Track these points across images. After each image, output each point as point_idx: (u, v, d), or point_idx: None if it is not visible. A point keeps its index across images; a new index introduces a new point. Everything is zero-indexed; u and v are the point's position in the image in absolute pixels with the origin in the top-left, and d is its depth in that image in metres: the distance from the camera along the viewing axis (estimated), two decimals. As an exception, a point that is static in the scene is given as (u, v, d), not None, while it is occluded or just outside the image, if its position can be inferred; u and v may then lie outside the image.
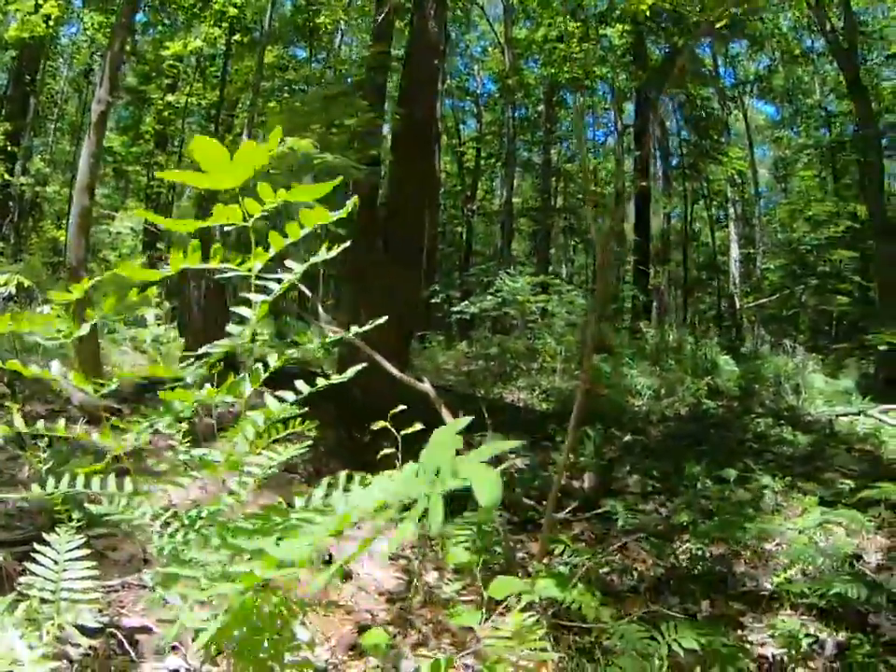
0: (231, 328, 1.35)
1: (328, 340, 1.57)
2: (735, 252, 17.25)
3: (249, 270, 1.20)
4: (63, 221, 15.00)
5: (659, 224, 20.91)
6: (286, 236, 1.15)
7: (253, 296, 1.27)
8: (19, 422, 1.40)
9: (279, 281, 1.30)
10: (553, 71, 15.70)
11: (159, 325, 5.72)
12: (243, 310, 1.32)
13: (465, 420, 0.48)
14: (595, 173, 20.33)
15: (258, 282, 1.25)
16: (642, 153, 15.33)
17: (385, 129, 8.69)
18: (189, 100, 13.57)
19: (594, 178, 19.08)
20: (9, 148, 11.18)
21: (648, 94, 15.40)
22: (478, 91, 22.36)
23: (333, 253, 1.25)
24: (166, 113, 13.77)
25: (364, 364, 1.56)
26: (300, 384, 1.47)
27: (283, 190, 1.01)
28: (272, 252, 1.20)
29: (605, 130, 23.32)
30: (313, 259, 1.27)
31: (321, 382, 1.48)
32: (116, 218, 13.58)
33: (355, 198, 1.17)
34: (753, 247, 18.46)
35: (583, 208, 18.03)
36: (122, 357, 7.97)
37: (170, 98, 13.56)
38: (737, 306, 16.11)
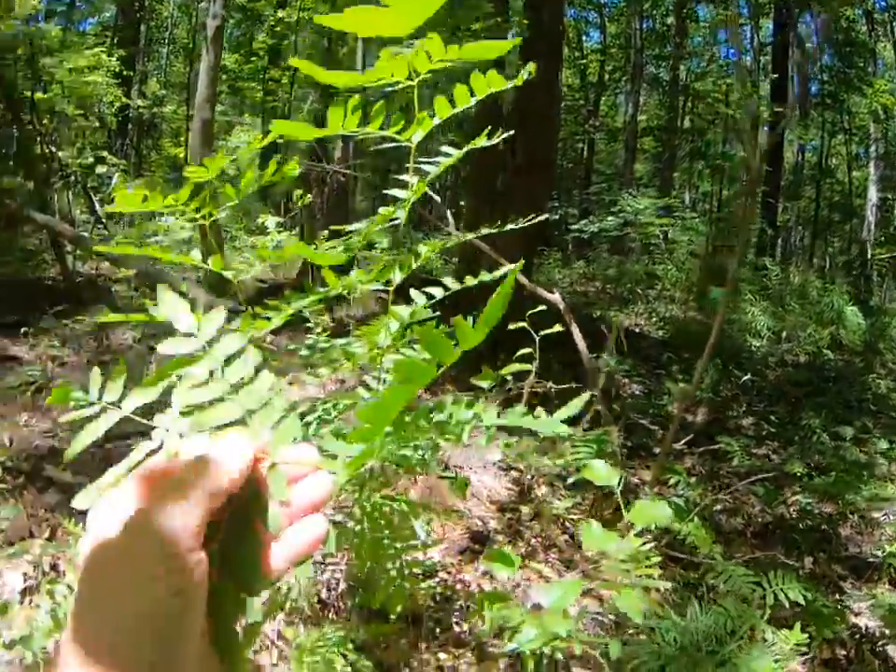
0: (355, 225, 1.26)
1: (450, 243, 1.47)
2: (872, 195, 15.76)
3: (409, 139, 1.08)
4: (182, 139, 15.55)
5: (793, 155, 19.30)
6: (453, 103, 1.02)
7: (408, 177, 1.16)
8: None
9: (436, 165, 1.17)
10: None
11: (280, 232, 5.72)
12: (396, 191, 1.22)
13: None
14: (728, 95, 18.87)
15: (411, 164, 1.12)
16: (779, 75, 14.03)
17: (510, 35, 8.31)
18: (300, 14, 13.40)
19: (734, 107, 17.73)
20: (124, 73, 11.47)
21: (789, 10, 13.99)
22: (602, 1, 20.92)
23: (495, 139, 1.12)
24: (278, 28, 13.74)
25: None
26: (432, 289, 1.39)
27: (454, 46, 0.85)
28: (436, 121, 1.06)
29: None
30: (469, 145, 1.14)
31: (451, 286, 1.38)
32: (233, 132, 13.92)
33: (532, 64, 1.01)
34: (894, 192, 16.83)
35: (711, 131, 16.80)
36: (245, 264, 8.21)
37: (281, 13, 13.48)
38: (868, 255, 14.87)
